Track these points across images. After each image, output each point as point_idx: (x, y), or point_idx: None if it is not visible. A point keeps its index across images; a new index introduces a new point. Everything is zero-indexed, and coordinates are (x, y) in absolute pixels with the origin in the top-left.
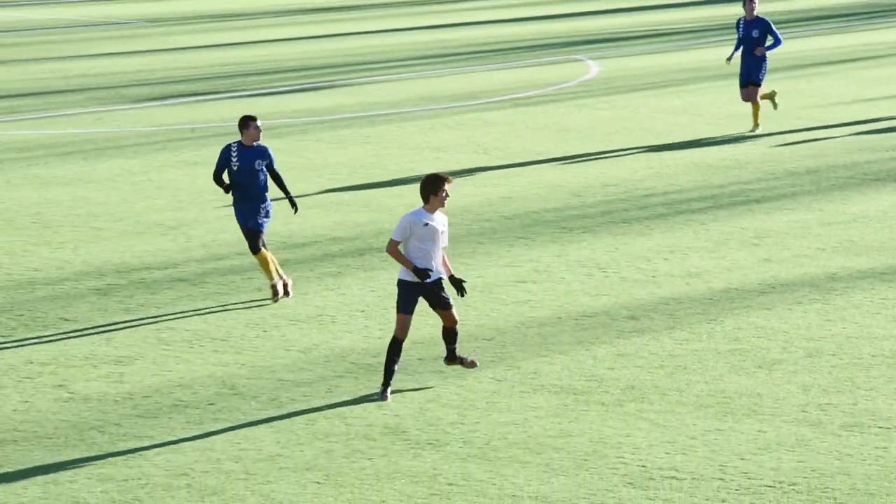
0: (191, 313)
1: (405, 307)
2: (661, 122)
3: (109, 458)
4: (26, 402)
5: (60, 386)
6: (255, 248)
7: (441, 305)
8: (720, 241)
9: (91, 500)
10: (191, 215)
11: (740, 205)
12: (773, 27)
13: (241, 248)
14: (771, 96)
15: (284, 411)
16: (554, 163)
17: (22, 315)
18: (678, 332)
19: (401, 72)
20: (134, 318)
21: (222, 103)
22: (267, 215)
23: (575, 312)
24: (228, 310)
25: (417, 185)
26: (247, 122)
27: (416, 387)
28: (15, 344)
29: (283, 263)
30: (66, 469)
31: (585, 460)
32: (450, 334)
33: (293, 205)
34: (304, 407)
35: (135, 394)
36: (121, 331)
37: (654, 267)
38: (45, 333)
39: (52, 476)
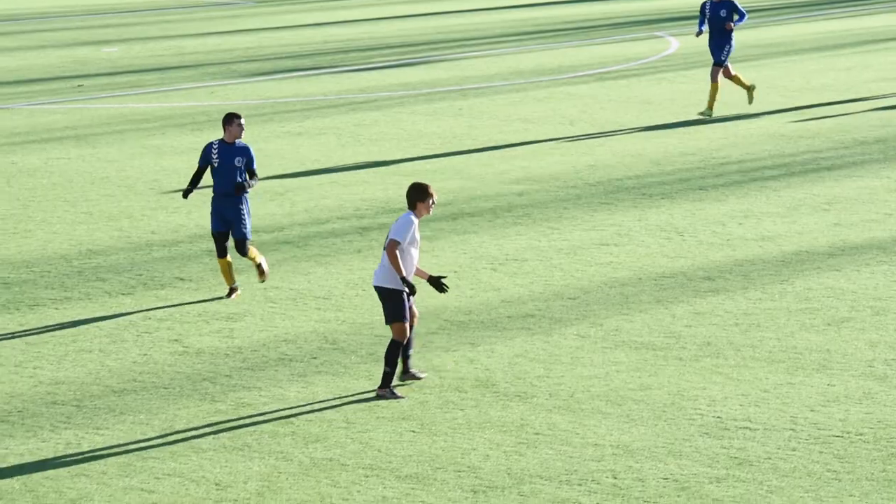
0: (295, 273)
1: (404, 313)
2: (736, 94)
3: (221, 407)
4: (145, 354)
5: (176, 340)
6: (243, 252)
7: (411, 313)
8: (792, 206)
9: (204, 446)
10: (295, 182)
11: (811, 172)
12: (738, 5)
13: (341, 213)
14: (749, 88)
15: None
16: (635, 133)
17: (141, 275)
18: (752, 292)
19: (493, 48)
20: (243, 277)
21: (325, 77)
22: (248, 215)
23: (654, 273)
24: (330, 270)
25: (507, 154)
26: (230, 119)
27: (506, 342)
28: (134, 301)
29: (381, 227)
30: (182, 417)
31: (664, 411)
32: (410, 342)
33: (241, 186)
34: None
35: (244, 348)
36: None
37: (729, 231)
38: (162, 292)
39: (168, 423)
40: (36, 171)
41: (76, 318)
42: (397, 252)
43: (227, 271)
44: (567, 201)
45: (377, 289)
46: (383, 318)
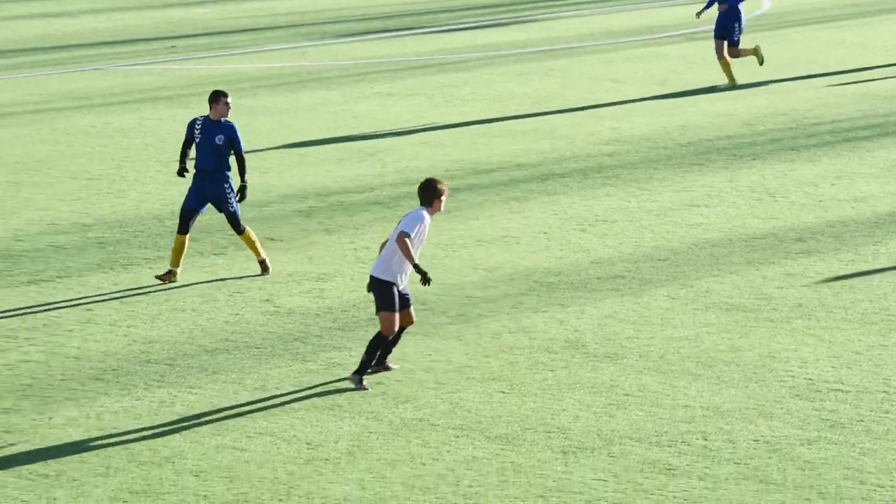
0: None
1: (393, 305)
2: (830, 54)
3: (312, 367)
4: (237, 314)
5: (267, 300)
6: (239, 229)
7: (408, 304)
8: (886, 167)
9: (296, 406)
10: (386, 143)
11: None
12: None
13: (431, 174)
14: (755, 51)
15: (472, 326)
16: (726, 93)
17: (232, 235)
18: (844, 254)
19: (582, 8)
20: (334, 238)
21: (415, 38)
22: (232, 192)
23: (745, 235)
24: None
25: (597, 115)
26: (217, 97)
27: (595, 304)
28: (226, 261)
29: (470, 188)
30: (273, 376)
31: (755, 373)
32: (399, 332)
33: (242, 193)
34: (490, 322)
35: (334, 308)
36: (322, 250)
37: (821, 192)
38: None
39: (260, 382)
40: (130, 132)
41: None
42: (408, 242)
43: (180, 251)
44: (657, 162)
45: (371, 279)
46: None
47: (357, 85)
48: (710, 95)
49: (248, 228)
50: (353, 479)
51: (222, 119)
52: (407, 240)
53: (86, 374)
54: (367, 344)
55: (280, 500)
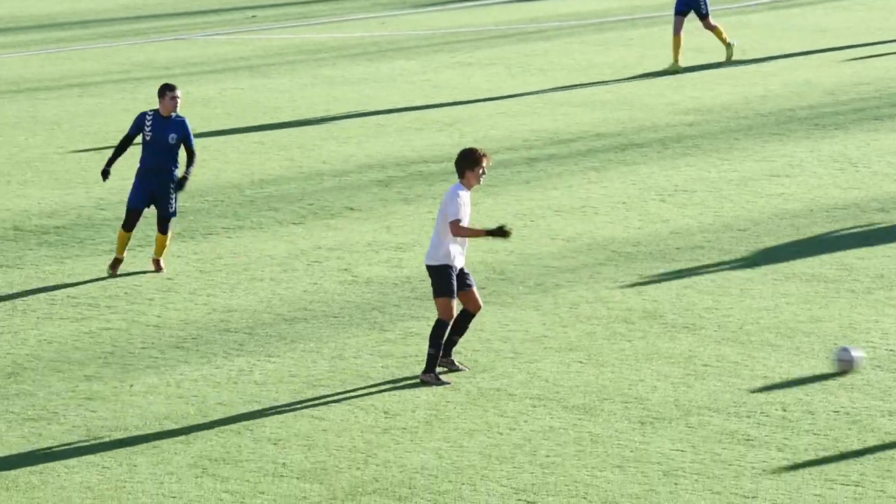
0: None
1: (451, 289)
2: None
3: (389, 337)
4: (315, 283)
5: (345, 269)
6: (164, 229)
7: (470, 285)
8: None
9: (373, 374)
10: (464, 113)
11: None
12: None
13: (510, 144)
14: (728, 45)
15: (549, 296)
16: (809, 62)
17: (311, 204)
18: None
19: None
20: (412, 207)
21: (496, 7)
22: (177, 189)
23: (826, 205)
24: (498, 201)
25: (678, 84)
26: (163, 91)
27: (674, 274)
28: (305, 231)
29: (549, 158)
30: (351, 345)
31: (835, 344)
32: (466, 321)
33: (182, 183)
34: (567, 292)
35: (412, 278)
36: (400, 219)
37: None
38: (332, 221)
39: (338, 351)
40: (210, 101)
41: (248, 247)
42: (461, 227)
43: (125, 243)
44: (738, 132)
45: (427, 267)
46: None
47: (436, 55)
48: (792, 64)
49: (170, 234)
50: (430, 448)
51: (173, 115)
52: (460, 225)
53: (166, 343)
54: (428, 339)
55: (357, 468)
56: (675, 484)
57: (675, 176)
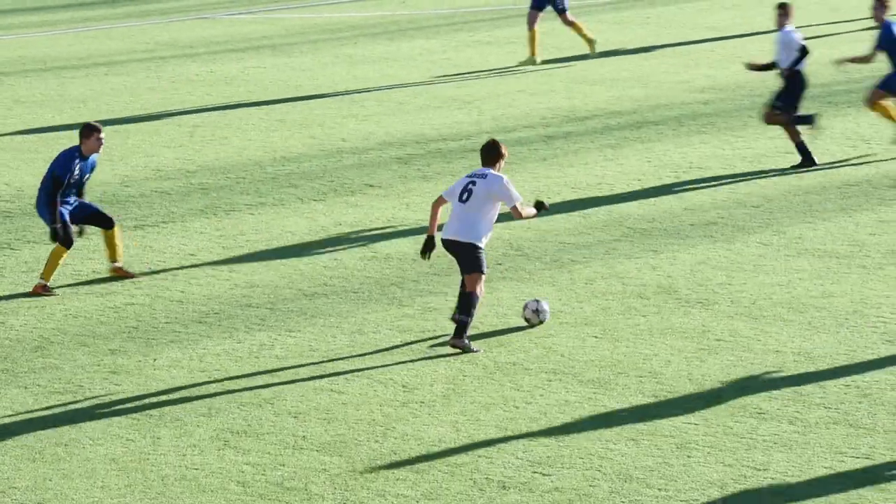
0: None
1: (484, 266)
2: None
3: (408, 312)
4: (335, 259)
5: (365, 246)
6: (109, 223)
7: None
8: None
9: (392, 349)
10: (483, 91)
11: None
12: None
13: (528, 122)
14: (591, 42)
15: (565, 271)
16: (824, 41)
17: (332, 181)
18: None
19: None
20: (431, 184)
21: None
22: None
23: (838, 181)
24: (515, 178)
25: (693, 62)
26: (89, 132)
27: (688, 250)
28: (325, 207)
29: (566, 135)
30: (370, 320)
31: (846, 319)
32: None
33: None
34: (583, 267)
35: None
36: (419, 196)
37: None
38: (352, 198)
39: (357, 326)
40: (233, 80)
41: (270, 224)
42: (522, 207)
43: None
44: (752, 110)
45: (456, 243)
46: (467, 277)
47: (456, 34)
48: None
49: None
50: (448, 422)
51: (92, 156)
52: (520, 205)
53: (189, 318)
54: (457, 311)
55: (376, 441)
56: (688, 457)
57: (690, 153)
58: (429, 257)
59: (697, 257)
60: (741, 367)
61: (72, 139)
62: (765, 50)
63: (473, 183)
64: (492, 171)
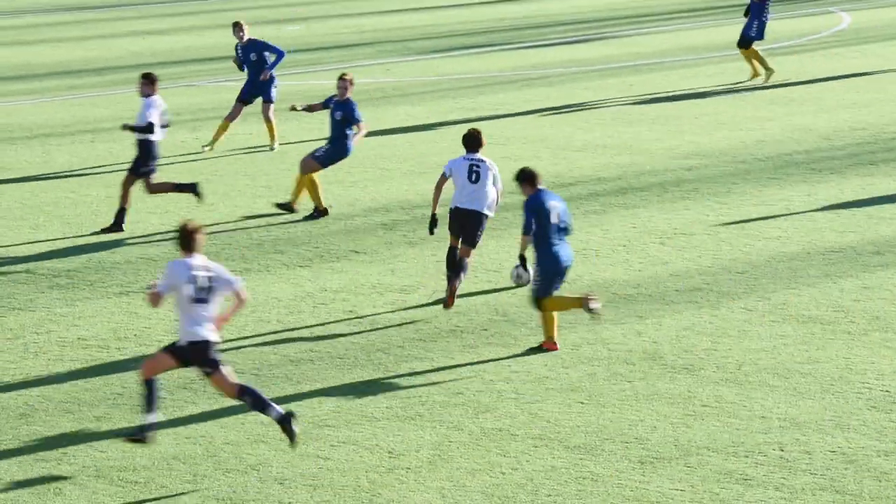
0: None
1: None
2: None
3: (393, 377)
4: (321, 325)
5: (351, 311)
6: None
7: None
8: None
9: (377, 415)
10: None
11: None
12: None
13: (513, 188)
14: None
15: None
16: (806, 108)
17: (318, 247)
18: None
19: (665, 24)
20: (417, 250)
21: (500, 54)
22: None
23: (823, 248)
24: (501, 244)
25: (677, 129)
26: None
27: (673, 315)
28: (310, 273)
29: None
30: (356, 386)
31: (831, 385)
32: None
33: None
34: (569, 333)
35: (416, 319)
36: (404, 262)
37: None
38: (338, 264)
39: (343, 392)
40: (218, 146)
41: (256, 289)
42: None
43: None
44: (736, 176)
45: (477, 213)
46: (467, 244)
47: (441, 101)
48: (789, 109)
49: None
50: (434, 488)
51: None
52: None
53: (174, 383)
54: (450, 273)
55: None
56: None
57: (675, 219)
58: (434, 233)
59: (683, 323)
60: (727, 433)
61: (56, 206)
62: (747, 116)
63: (477, 167)
64: (480, 156)
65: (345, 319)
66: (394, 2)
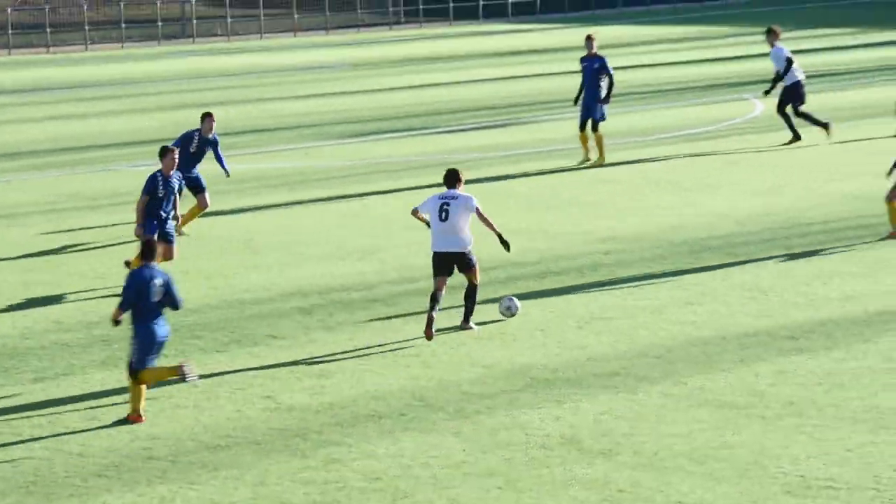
0: (385, 331)
1: None
2: (825, 155)
3: (311, 463)
4: (238, 410)
5: (268, 397)
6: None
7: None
8: (876, 266)
9: (294, 501)
10: (385, 241)
11: None
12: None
13: (430, 273)
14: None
15: (469, 422)
16: (721, 193)
17: (233, 332)
18: (835, 352)
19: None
20: (334, 335)
21: (416, 139)
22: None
23: (738, 332)
24: (419, 328)
25: (593, 214)
26: (165, 152)
27: (591, 400)
28: (227, 358)
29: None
30: (273, 472)
31: (747, 470)
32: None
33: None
34: (486, 418)
35: (334, 404)
36: (322, 347)
37: (814, 291)
38: (255, 349)
39: (260, 478)
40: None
41: None
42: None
43: None
44: (652, 261)
45: (460, 254)
46: (468, 274)
47: (360, 184)
48: (705, 195)
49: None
50: None
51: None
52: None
53: (89, 471)
54: (466, 299)
55: None
56: None
57: (592, 304)
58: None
59: (600, 407)
60: None
61: None
62: (661, 204)
63: (448, 204)
64: (458, 191)
65: (262, 405)
66: (311, 86)
